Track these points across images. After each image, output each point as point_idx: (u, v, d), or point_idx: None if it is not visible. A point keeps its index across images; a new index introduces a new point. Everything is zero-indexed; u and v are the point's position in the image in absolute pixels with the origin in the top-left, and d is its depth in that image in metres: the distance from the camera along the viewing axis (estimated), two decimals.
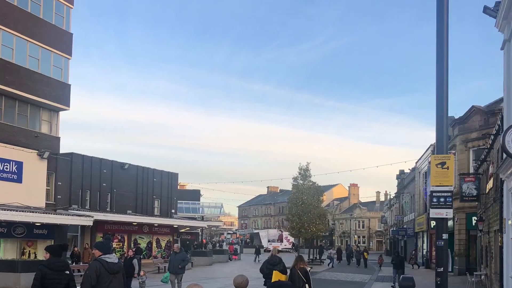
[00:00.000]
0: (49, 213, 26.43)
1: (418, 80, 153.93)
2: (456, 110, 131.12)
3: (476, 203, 24.48)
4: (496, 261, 17.43)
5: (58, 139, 30.64)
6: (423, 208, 38.54)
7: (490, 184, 19.63)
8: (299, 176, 40.60)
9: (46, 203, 28.46)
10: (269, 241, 75.06)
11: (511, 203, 13.86)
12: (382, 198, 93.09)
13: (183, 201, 58.94)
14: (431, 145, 35.15)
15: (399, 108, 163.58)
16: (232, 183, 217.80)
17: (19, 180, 26.40)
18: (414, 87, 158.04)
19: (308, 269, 11.20)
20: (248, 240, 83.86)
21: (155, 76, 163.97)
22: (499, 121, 17.57)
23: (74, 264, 24.77)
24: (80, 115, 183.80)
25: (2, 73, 26.55)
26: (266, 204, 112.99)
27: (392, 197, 69.60)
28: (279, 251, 15.08)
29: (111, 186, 35.23)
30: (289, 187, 46.12)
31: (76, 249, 28.01)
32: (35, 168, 27.41)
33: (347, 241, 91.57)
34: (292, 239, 72.76)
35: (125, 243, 35.43)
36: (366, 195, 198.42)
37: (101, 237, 31.83)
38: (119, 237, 35.29)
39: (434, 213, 9.36)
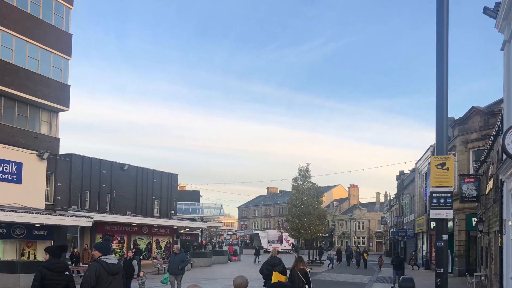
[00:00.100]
0: (48, 214, 26.39)
1: (418, 81, 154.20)
2: (456, 111, 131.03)
3: (476, 204, 24.46)
4: (496, 262, 17.42)
5: (57, 140, 30.63)
6: (423, 209, 38.53)
7: (490, 185, 19.62)
8: (299, 177, 40.58)
9: (45, 204, 28.43)
10: (268, 242, 75.04)
11: (511, 204, 13.84)
12: (382, 199, 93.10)
13: (183, 202, 58.96)
14: (431, 146, 35.14)
15: (399, 109, 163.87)
16: (231, 184, 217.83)
17: (18, 181, 26.37)
18: (414, 88, 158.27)
19: (308, 270, 11.19)
20: (247, 241, 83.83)
21: (155, 77, 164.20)
22: (499, 122, 17.57)
23: (73, 265, 24.73)
24: (80, 116, 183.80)
25: (1, 74, 26.54)
26: (266, 205, 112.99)
27: (392, 198, 69.63)
28: (278, 252, 15.08)
29: (111, 187, 35.21)
30: (288, 188, 46.19)
31: (75, 250, 27.98)
32: (35, 169, 27.39)
33: (347, 242, 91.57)
34: (291, 240, 72.74)
35: (125, 244, 35.40)
36: (366, 196, 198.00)
37: (100, 238, 31.80)
38: (119, 238, 35.26)
39: (434, 214, 9.35)
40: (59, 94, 30.08)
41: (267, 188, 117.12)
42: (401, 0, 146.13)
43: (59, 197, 30.07)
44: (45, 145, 28.92)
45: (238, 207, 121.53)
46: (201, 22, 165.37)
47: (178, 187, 47.39)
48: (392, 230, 63.23)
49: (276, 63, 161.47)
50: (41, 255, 24.68)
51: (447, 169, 9.22)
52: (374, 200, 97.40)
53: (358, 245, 72.26)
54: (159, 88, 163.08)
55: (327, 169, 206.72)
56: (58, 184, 30.01)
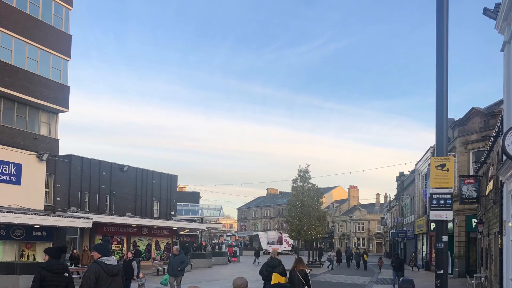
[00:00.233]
0: (48, 215, 26.34)
1: (418, 82, 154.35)
2: (456, 112, 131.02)
3: (476, 205, 24.46)
4: (496, 263, 17.40)
5: (57, 141, 30.61)
6: (423, 210, 38.52)
7: (490, 186, 19.61)
8: (299, 178, 40.57)
9: (45, 205, 28.40)
10: (268, 243, 74.99)
11: (511, 205, 13.83)
12: (381, 200, 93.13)
13: (182, 203, 58.82)
14: (431, 147, 35.14)
15: (399, 110, 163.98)
16: (231, 185, 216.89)
17: (18, 182, 26.34)
18: (414, 89, 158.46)
19: (308, 271, 11.19)
20: (247, 242, 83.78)
21: (155, 78, 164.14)
22: (499, 123, 17.57)
23: (73, 266, 24.74)
24: (79, 117, 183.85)
25: (1, 75, 26.52)
26: (266, 206, 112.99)
27: (391, 199, 69.64)
28: (278, 253, 15.03)
29: (110, 188, 35.19)
30: (288, 189, 46.16)
31: (75, 251, 27.97)
32: (34, 170, 27.36)
33: (346, 243, 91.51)
34: (291, 241, 72.76)
35: (124, 245, 35.36)
36: (365, 197, 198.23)
37: (100, 239, 31.76)
38: (118, 239, 35.22)
39: (434, 215, 9.34)
40: (59, 95, 30.07)
41: (267, 189, 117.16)
42: (401, 1, 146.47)
43: (59, 198, 30.05)
44: (45, 146, 28.90)
45: (238, 208, 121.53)
46: (201, 23, 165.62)
47: (177, 188, 47.40)
48: (392, 231, 63.26)
49: (276, 64, 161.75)
50: (40, 257, 24.64)
51: (447, 170, 9.22)
52: (374, 201, 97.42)
53: (358, 246, 72.27)
54: (158, 89, 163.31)
55: (327, 170, 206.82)
56: (57, 185, 30.00)
